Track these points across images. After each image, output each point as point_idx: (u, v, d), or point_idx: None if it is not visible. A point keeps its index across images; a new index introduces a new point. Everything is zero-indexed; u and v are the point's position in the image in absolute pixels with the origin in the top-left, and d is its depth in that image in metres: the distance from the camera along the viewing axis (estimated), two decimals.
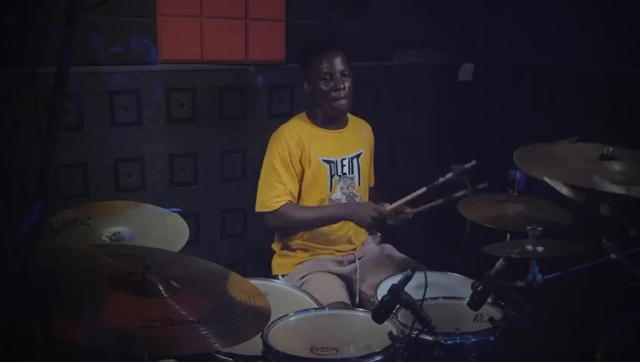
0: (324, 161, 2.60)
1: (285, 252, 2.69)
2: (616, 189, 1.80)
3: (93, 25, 2.63)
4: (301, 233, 2.64)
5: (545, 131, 3.26)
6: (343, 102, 2.55)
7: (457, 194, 2.47)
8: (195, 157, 3.03)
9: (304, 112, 2.68)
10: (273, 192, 2.54)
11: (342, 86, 2.52)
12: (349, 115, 2.72)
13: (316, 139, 2.60)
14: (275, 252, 2.74)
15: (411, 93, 3.49)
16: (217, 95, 3.01)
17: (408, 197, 2.55)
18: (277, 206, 2.53)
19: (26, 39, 2.39)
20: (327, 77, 2.53)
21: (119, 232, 2.14)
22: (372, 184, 2.83)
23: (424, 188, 2.53)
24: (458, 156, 3.54)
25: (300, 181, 2.59)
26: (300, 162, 2.57)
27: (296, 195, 2.59)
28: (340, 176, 2.63)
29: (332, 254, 2.66)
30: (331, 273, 2.57)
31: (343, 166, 2.63)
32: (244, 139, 3.10)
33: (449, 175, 2.51)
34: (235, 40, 2.97)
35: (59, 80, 1.18)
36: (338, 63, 2.53)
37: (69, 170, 2.75)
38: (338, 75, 2.52)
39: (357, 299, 2.56)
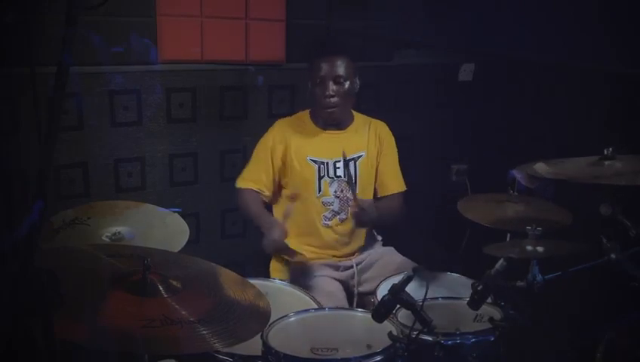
0: (312, 161, 2.55)
1: (282, 257, 2.64)
2: None
3: (93, 25, 2.63)
4: (297, 237, 2.59)
5: (545, 131, 3.29)
6: (333, 110, 2.48)
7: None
8: (195, 158, 3.03)
9: (308, 110, 2.65)
10: (245, 172, 2.59)
11: (330, 93, 2.44)
12: (358, 114, 2.66)
13: (310, 138, 2.56)
14: (272, 256, 2.69)
15: (411, 93, 3.49)
16: (217, 95, 3.01)
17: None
18: (241, 185, 2.58)
19: (26, 39, 2.39)
20: (318, 81, 2.46)
21: (119, 232, 2.14)
22: (401, 189, 2.68)
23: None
24: (458, 156, 3.57)
25: (278, 177, 2.57)
26: (281, 159, 2.55)
27: (265, 187, 2.56)
28: (332, 178, 2.56)
29: (329, 258, 2.62)
30: (329, 277, 2.53)
31: (336, 168, 2.56)
32: (244, 139, 3.09)
33: None
34: (235, 40, 2.97)
35: (59, 80, 1.18)
36: (334, 68, 2.44)
37: (69, 170, 2.75)
38: (331, 81, 2.44)
39: (354, 305, 2.53)
